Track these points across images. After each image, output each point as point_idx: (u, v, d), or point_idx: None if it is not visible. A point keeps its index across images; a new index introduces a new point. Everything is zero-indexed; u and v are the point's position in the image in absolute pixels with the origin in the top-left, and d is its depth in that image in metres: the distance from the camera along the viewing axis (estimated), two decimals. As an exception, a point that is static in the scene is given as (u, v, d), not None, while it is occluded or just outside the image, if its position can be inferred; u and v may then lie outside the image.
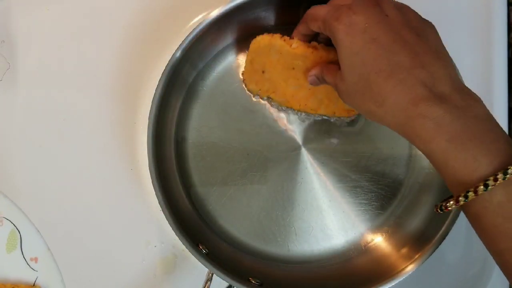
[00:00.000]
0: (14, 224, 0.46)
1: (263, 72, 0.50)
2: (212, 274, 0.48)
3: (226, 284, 0.47)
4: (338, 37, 0.38)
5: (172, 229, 0.47)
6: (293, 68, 0.49)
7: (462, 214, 0.47)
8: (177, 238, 0.47)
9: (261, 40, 0.48)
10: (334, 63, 0.44)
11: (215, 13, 0.47)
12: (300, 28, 0.45)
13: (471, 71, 0.54)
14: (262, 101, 0.53)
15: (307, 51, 0.46)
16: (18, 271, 0.46)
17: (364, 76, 0.38)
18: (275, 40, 0.47)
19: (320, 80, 0.46)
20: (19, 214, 0.46)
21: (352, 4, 0.38)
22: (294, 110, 0.52)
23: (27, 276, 0.46)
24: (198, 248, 0.48)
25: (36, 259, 0.46)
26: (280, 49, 0.47)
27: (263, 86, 0.51)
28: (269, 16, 0.52)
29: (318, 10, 0.42)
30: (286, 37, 0.47)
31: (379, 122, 0.39)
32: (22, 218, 0.46)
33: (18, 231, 0.46)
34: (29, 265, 0.46)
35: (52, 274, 0.47)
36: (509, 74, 0.55)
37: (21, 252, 0.46)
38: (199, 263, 0.47)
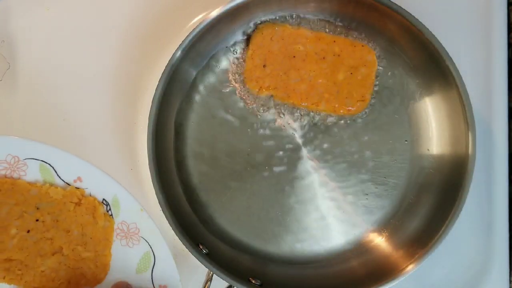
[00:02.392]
0: (151, 246, 0.43)
1: (264, 66, 0.50)
2: (212, 274, 0.48)
3: (226, 284, 0.47)
4: None
5: (172, 229, 0.47)
6: (294, 56, 0.50)
7: (462, 214, 0.47)
8: (177, 238, 0.47)
9: (264, 28, 0.49)
10: None
11: (215, 13, 0.47)
12: None
13: (471, 71, 0.54)
14: (263, 100, 0.53)
15: (308, 31, 0.49)
16: None
17: None
18: (278, 25, 0.49)
19: None
20: (158, 237, 0.43)
21: None
22: (295, 106, 0.52)
23: None
24: (198, 248, 0.48)
25: (165, 287, 0.44)
26: (283, 33, 0.49)
27: (263, 83, 0.51)
28: (269, 16, 0.52)
29: None
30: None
31: None
32: (160, 242, 0.43)
33: (154, 254, 0.43)
34: None
35: None
36: (509, 74, 0.55)
37: (151, 277, 0.43)
38: (199, 263, 0.47)
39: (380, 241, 0.53)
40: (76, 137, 0.55)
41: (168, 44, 0.53)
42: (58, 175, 0.42)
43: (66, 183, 0.42)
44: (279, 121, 0.53)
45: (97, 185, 0.43)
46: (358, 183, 0.53)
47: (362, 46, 0.52)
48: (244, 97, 0.53)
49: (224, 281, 0.47)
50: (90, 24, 0.55)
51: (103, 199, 0.43)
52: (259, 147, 0.53)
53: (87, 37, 0.55)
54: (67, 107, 0.55)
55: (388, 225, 0.53)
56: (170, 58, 0.48)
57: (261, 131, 0.53)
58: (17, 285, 0.41)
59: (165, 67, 0.48)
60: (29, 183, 0.42)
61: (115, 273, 0.43)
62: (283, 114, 0.53)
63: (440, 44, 0.47)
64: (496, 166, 0.55)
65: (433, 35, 0.47)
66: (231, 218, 0.53)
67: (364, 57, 0.52)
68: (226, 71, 0.53)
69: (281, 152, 0.53)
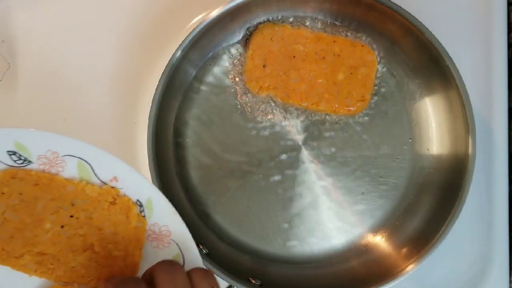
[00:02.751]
0: (181, 250, 0.43)
1: (264, 66, 0.50)
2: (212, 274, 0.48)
3: (226, 284, 0.48)
4: None
5: (172, 229, 0.47)
6: (294, 56, 0.50)
7: (462, 214, 0.47)
8: (177, 238, 0.47)
9: (264, 28, 0.49)
10: None
11: (215, 13, 0.47)
12: None
13: (471, 71, 0.54)
14: (263, 100, 0.53)
15: (308, 31, 0.49)
16: None
17: None
18: (278, 25, 0.49)
19: None
20: (189, 241, 0.42)
21: None
22: (295, 106, 0.52)
23: None
24: (198, 248, 0.47)
25: None
26: (283, 33, 0.50)
27: (264, 83, 0.51)
28: (269, 16, 0.52)
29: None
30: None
31: None
32: (191, 245, 0.42)
33: (183, 257, 0.43)
34: None
35: None
36: (509, 74, 0.55)
37: None
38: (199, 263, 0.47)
39: (380, 241, 0.53)
40: (76, 137, 0.54)
41: (168, 44, 0.53)
42: (95, 173, 0.42)
43: (102, 181, 0.42)
44: (279, 121, 0.53)
45: (132, 186, 0.42)
46: (358, 183, 0.53)
47: (362, 46, 0.52)
48: (244, 97, 0.53)
49: (224, 281, 0.47)
50: (90, 24, 0.55)
51: (137, 200, 0.43)
52: (259, 147, 0.53)
53: (87, 37, 0.55)
54: (67, 107, 0.55)
55: (388, 225, 0.53)
56: (170, 58, 0.48)
57: (261, 131, 0.53)
58: (47, 279, 0.42)
59: (165, 67, 0.48)
60: (66, 180, 0.42)
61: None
62: (283, 114, 0.53)
63: (440, 44, 0.47)
64: (496, 166, 0.55)
65: (433, 35, 0.47)
66: (231, 218, 0.53)
67: (364, 57, 0.52)
68: (226, 71, 0.53)
69: (281, 152, 0.53)
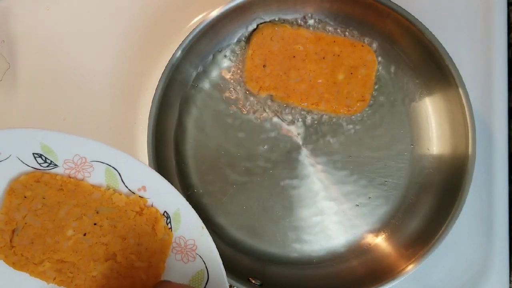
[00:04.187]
0: (206, 265, 0.41)
1: (264, 66, 0.50)
2: (212, 274, 0.48)
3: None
4: None
5: (172, 229, 0.47)
6: (294, 56, 0.50)
7: (462, 214, 0.47)
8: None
9: (264, 28, 0.50)
10: None
11: (215, 13, 0.47)
12: None
13: (471, 71, 0.54)
14: (263, 100, 0.53)
15: (308, 31, 0.49)
16: None
17: None
18: (278, 25, 0.50)
19: None
20: (215, 257, 0.41)
21: None
22: (295, 106, 0.52)
23: None
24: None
25: None
26: (283, 33, 0.50)
27: (263, 83, 0.51)
28: (268, 16, 0.52)
29: None
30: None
31: None
32: (216, 261, 0.41)
33: (208, 273, 0.41)
34: None
35: None
36: (509, 74, 0.55)
37: None
38: (199, 263, 0.47)
39: (380, 241, 0.53)
40: (76, 137, 0.55)
41: (168, 44, 0.53)
42: (123, 181, 0.41)
43: (130, 190, 0.41)
44: (279, 121, 0.53)
45: (161, 197, 0.41)
46: (358, 183, 0.53)
47: (362, 46, 0.52)
48: (244, 97, 0.53)
49: (224, 281, 0.47)
50: (90, 24, 0.55)
51: (165, 211, 0.41)
52: (259, 148, 0.53)
53: (87, 37, 0.55)
54: (67, 107, 0.55)
55: (388, 225, 0.53)
56: (170, 58, 0.48)
57: (261, 131, 0.53)
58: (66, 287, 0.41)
59: (165, 67, 0.48)
60: (93, 186, 0.41)
61: None
62: (283, 114, 0.53)
63: (440, 44, 0.47)
64: (496, 166, 0.55)
65: (433, 35, 0.47)
66: (231, 218, 0.53)
67: (364, 57, 0.52)
68: (226, 71, 0.53)
69: (281, 153, 0.53)
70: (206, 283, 0.42)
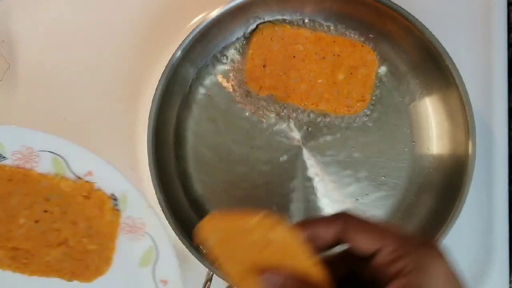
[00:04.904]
0: (155, 242, 0.44)
1: (264, 66, 0.50)
2: (212, 274, 0.48)
3: (226, 284, 0.48)
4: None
5: (172, 229, 0.47)
6: (294, 57, 0.51)
7: (462, 214, 0.47)
8: (177, 238, 0.47)
9: (264, 28, 0.50)
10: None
11: (215, 13, 0.47)
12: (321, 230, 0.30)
13: (471, 71, 0.54)
14: (263, 100, 0.53)
15: (308, 31, 0.50)
16: None
17: None
18: (278, 25, 0.50)
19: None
20: (163, 234, 0.44)
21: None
22: (295, 106, 0.52)
23: None
24: (198, 248, 0.48)
25: (166, 282, 0.44)
26: (283, 33, 0.50)
27: (264, 83, 0.51)
28: (269, 16, 0.52)
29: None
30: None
31: None
32: (165, 238, 0.44)
33: (157, 250, 0.44)
34: (157, 286, 0.44)
35: None
36: (509, 74, 0.55)
37: (152, 271, 0.44)
38: (199, 263, 0.47)
39: (380, 241, 0.53)
40: (76, 137, 0.54)
41: (168, 44, 0.53)
42: (69, 168, 0.43)
43: (77, 176, 0.43)
44: (279, 121, 0.53)
45: (107, 180, 0.43)
46: (358, 183, 0.53)
47: (362, 46, 0.52)
48: (244, 97, 0.53)
49: (224, 281, 0.47)
50: (90, 24, 0.55)
51: (112, 193, 0.44)
52: (259, 147, 0.53)
53: (87, 37, 0.55)
54: (67, 107, 0.55)
55: (388, 225, 0.53)
56: (170, 58, 0.48)
57: (261, 131, 0.53)
58: (21, 274, 0.42)
59: (165, 67, 0.48)
60: (41, 175, 0.43)
61: (117, 266, 0.44)
62: (283, 114, 0.53)
63: (440, 44, 0.47)
64: (496, 166, 0.55)
65: (433, 35, 0.47)
66: (231, 218, 0.53)
67: (364, 57, 0.52)
68: (226, 71, 0.53)
69: (281, 153, 0.53)
70: (156, 259, 0.44)
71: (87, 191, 0.43)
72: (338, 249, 0.31)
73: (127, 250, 0.44)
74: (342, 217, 0.29)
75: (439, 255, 0.29)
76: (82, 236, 0.43)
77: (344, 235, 0.29)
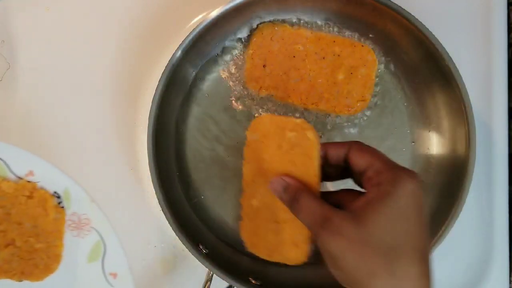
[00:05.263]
0: (101, 236, 0.45)
1: (264, 66, 0.50)
2: (212, 274, 0.48)
3: (226, 284, 0.48)
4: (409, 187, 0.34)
5: (172, 229, 0.47)
6: (294, 56, 0.51)
7: (462, 214, 0.47)
8: (177, 238, 0.47)
9: (264, 28, 0.51)
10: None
11: (215, 13, 0.47)
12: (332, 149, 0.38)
13: (471, 71, 0.54)
14: (263, 100, 0.53)
15: (308, 31, 0.51)
16: (95, 283, 0.46)
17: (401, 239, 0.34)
18: (278, 25, 0.50)
19: (285, 196, 0.39)
20: (108, 228, 0.45)
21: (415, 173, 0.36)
22: (294, 106, 0.52)
23: None
24: (198, 248, 0.48)
25: (115, 275, 0.46)
26: (283, 33, 0.50)
27: (264, 82, 0.51)
28: (269, 16, 0.52)
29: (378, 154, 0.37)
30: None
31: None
32: (110, 232, 0.45)
33: (104, 243, 0.45)
34: (107, 279, 0.45)
35: None
36: (509, 74, 0.55)
37: (101, 265, 0.46)
38: (199, 263, 0.47)
39: (380, 241, 0.53)
40: (76, 137, 0.55)
41: (168, 44, 0.53)
42: (10, 169, 0.44)
43: (18, 177, 0.44)
44: (279, 121, 0.53)
45: (49, 178, 0.44)
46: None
47: (362, 46, 0.52)
48: (244, 97, 0.53)
49: (224, 281, 0.47)
50: (90, 24, 0.55)
51: (55, 191, 0.45)
52: (259, 147, 0.53)
53: (87, 37, 0.55)
54: (67, 107, 0.55)
55: (388, 225, 0.53)
56: (170, 58, 0.48)
57: (261, 131, 0.53)
58: None
59: (165, 67, 0.48)
60: None
61: (67, 263, 0.45)
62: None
63: (440, 44, 0.47)
64: (496, 166, 0.55)
65: (433, 35, 0.47)
66: (231, 218, 0.53)
67: (364, 57, 0.52)
68: (226, 71, 0.53)
69: (281, 152, 0.53)
70: (104, 253, 0.45)
71: (29, 191, 0.44)
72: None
73: (75, 246, 0.45)
74: (350, 142, 0.38)
75: (412, 179, 0.34)
76: (28, 235, 0.44)
77: (348, 154, 0.37)
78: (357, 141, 0.37)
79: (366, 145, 0.38)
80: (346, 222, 0.34)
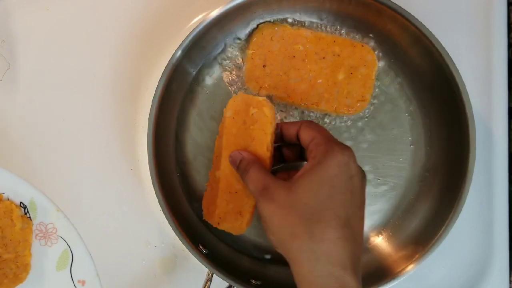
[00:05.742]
0: (68, 244, 0.46)
1: (264, 66, 0.50)
2: (212, 274, 0.48)
3: (226, 284, 0.48)
4: (337, 159, 0.39)
5: (172, 229, 0.47)
6: (294, 56, 0.51)
7: (462, 214, 0.47)
8: (177, 238, 0.47)
9: (264, 28, 0.51)
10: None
11: (215, 13, 0.47)
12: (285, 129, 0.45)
13: (471, 71, 0.54)
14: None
15: (308, 31, 0.51)
16: None
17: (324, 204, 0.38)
18: (278, 25, 0.51)
19: (239, 168, 0.45)
20: (74, 235, 0.46)
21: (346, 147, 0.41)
22: (295, 106, 0.52)
23: None
24: (198, 248, 0.48)
25: (83, 282, 0.46)
26: (283, 33, 0.51)
27: (264, 83, 0.51)
28: (269, 16, 0.52)
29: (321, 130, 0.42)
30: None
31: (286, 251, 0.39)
32: (77, 239, 0.46)
33: (71, 251, 0.46)
34: (75, 287, 0.46)
35: None
36: (509, 74, 0.55)
37: (70, 273, 0.46)
38: (199, 263, 0.47)
39: (380, 241, 0.53)
40: (75, 137, 0.55)
41: (168, 44, 0.53)
42: None
43: None
44: (279, 121, 0.53)
45: (14, 190, 0.45)
46: (358, 183, 0.53)
47: (362, 46, 0.52)
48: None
49: (224, 281, 0.47)
50: (90, 24, 0.55)
51: (21, 202, 0.45)
52: (259, 147, 0.53)
53: (87, 37, 0.55)
54: (66, 107, 0.55)
55: (388, 225, 0.53)
56: (170, 58, 0.48)
57: (261, 131, 0.53)
58: None
59: (165, 67, 0.48)
60: None
61: (36, 272, 0.46)
62: (283, 114, 0.53)
63: (440, 44, 0.47)
64: (496, 166, 0.55)
65: (433, 35, 0.47)
66: (231, 218, 0.53)
67: (364, 57, 0.52)
68: (226, 71, 0.53)
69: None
70: (72, 261, 0.46)
71: None
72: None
73: (43, 255, 0.46)
74: (302, 121, 0.44)
75: (343, 151, 0.39)
76: None
77: (298, 131, 0.43)
78: (308, 120, 0.43)
79: (315, 123, 0.43)
80: (280, 190, 0.39)
